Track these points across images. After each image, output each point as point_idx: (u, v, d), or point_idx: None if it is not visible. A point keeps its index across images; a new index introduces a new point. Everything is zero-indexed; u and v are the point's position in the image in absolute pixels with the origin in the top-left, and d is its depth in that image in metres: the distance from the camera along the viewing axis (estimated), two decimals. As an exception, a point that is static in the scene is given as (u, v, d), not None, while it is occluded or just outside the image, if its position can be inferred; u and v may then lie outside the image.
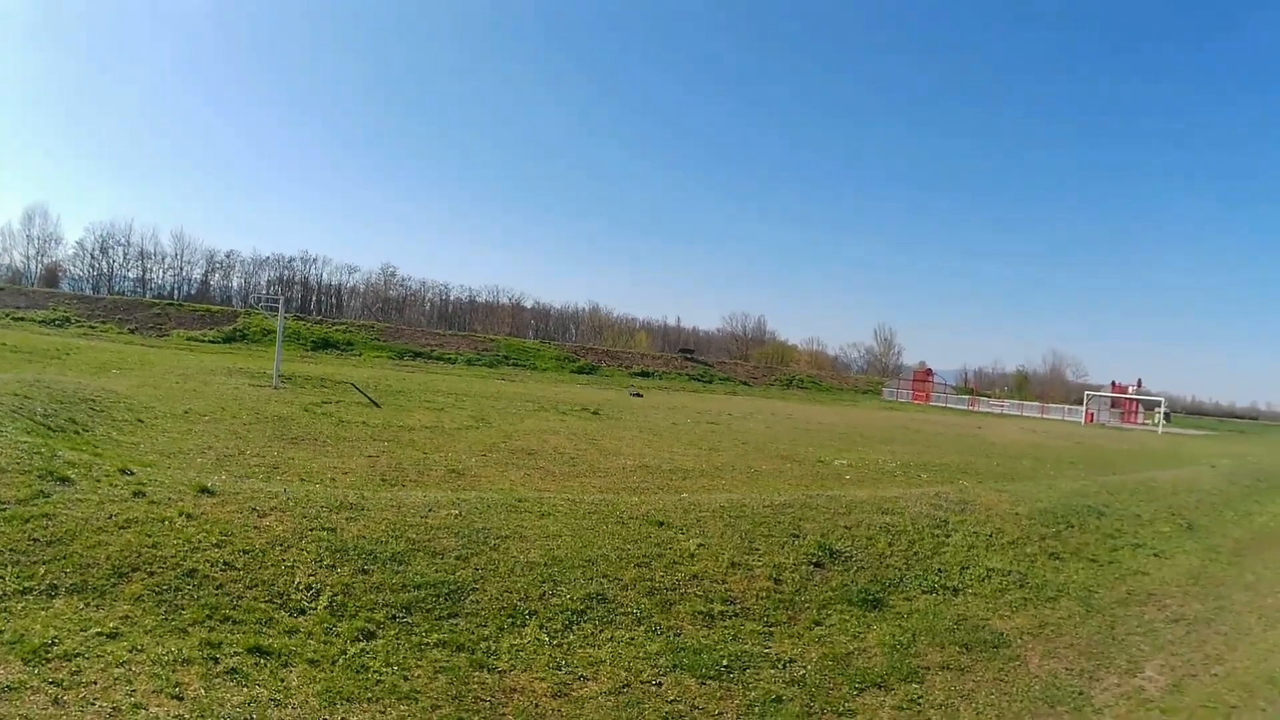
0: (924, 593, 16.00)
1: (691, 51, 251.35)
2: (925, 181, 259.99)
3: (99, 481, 13.54)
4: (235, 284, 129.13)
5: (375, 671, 9.89)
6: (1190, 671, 14.40)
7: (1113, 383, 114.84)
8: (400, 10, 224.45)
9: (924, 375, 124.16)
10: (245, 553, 11.92)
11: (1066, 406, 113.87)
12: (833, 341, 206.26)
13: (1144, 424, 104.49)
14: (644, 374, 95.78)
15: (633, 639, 12.03)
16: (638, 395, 46.98)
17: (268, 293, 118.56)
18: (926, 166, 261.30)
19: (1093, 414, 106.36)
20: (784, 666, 12.12)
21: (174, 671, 9.03)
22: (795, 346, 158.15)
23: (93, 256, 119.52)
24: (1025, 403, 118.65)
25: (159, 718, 8.14)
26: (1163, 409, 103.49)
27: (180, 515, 12.58)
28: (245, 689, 9.01)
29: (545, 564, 13.52)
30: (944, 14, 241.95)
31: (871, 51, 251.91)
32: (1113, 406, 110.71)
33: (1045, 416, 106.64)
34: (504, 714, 9.64)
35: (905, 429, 53.67)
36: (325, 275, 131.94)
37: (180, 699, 8.55)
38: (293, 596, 11.23)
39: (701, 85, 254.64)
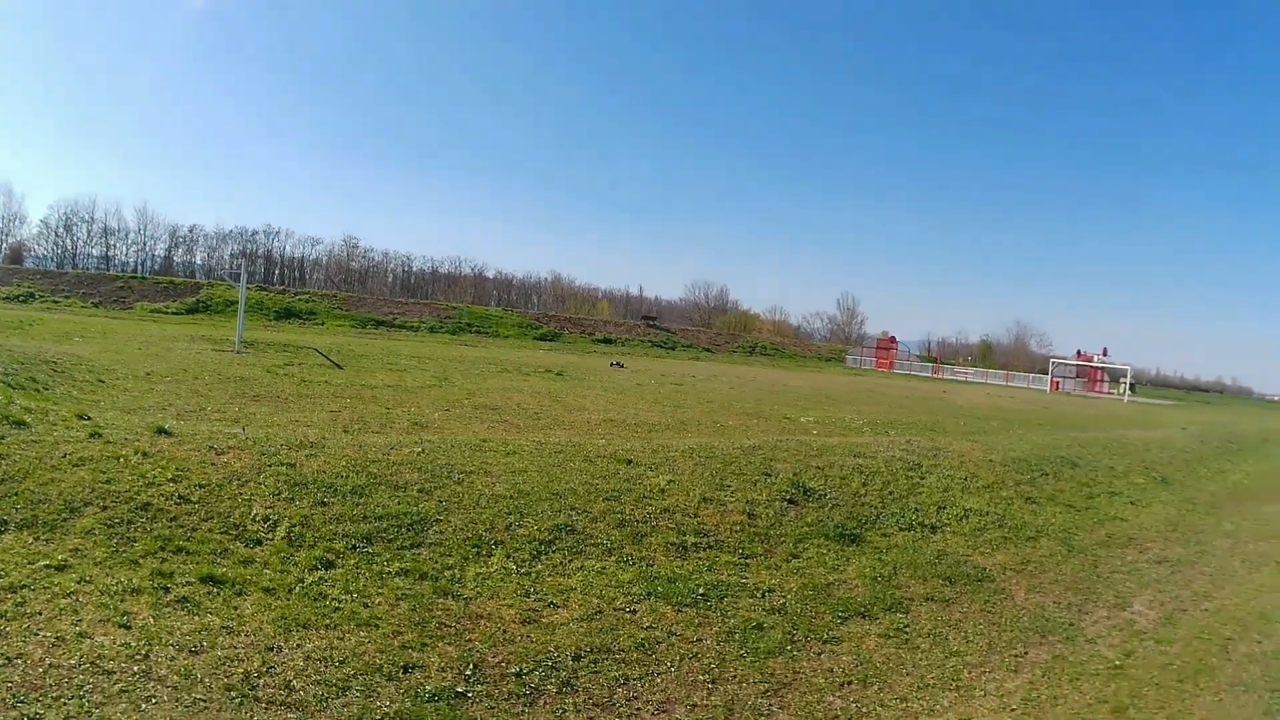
0: (901, 530, 15.86)
1: (657, 22, 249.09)
2: (887, 153, 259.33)
3: (55, 425, 13.12)
4: (199, 259, 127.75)
5: (334, 599, 9.57)
6: (1180, 607, 14.41)
7: (1078, 351, 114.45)
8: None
9: (888, 343, 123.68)
10: (201, 487, 11.54)
11: (1031, 375, 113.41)
12: (795, 311, 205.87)
13: (1109, 393, 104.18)
14: (607, 340, 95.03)
15: (604, 569, 11.79)
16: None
17: (231, 267, 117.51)
18: (888, 140, 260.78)
19: (1058, 382, 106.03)
20: (763, 595, 11.92)
21: (122, 601, 8.67)
22: (758, 315, 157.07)
23: (57, 234, 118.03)
24: (990, 371, 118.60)
25: (104, 646, 7.79)
26: (1128, 379, 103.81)
27: (136, 453, 12.17)
28: (196, 617, 8.66)
29: (511, 496, 13.24)
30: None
31: (832, 18, 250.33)
32: (1078, 375, 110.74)
33: (1010, 384, 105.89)
34: (471, 640, 9.33)
35: (870, 392, 53.51)
36: (288, 248, 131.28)
37: (128, 628, 8.20)
38: (249, 528, 10.87)
39: (667, 55, 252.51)
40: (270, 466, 12.58)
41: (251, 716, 7.24)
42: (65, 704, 6.87)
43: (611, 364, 43.28)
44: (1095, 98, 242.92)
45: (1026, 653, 11.60)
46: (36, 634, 7.77)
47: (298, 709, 7.50)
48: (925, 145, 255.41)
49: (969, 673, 10.69)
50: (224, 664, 7.93)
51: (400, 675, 8.37)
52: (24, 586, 8.57)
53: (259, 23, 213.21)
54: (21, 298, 70.28)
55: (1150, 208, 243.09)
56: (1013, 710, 9.82)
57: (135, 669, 7.56)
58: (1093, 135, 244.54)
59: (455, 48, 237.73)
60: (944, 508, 17.55)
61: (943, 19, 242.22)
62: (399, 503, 12.28)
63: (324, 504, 11.80)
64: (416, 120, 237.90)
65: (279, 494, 11.80)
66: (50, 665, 7.32)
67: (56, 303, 70.34)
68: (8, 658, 7.29)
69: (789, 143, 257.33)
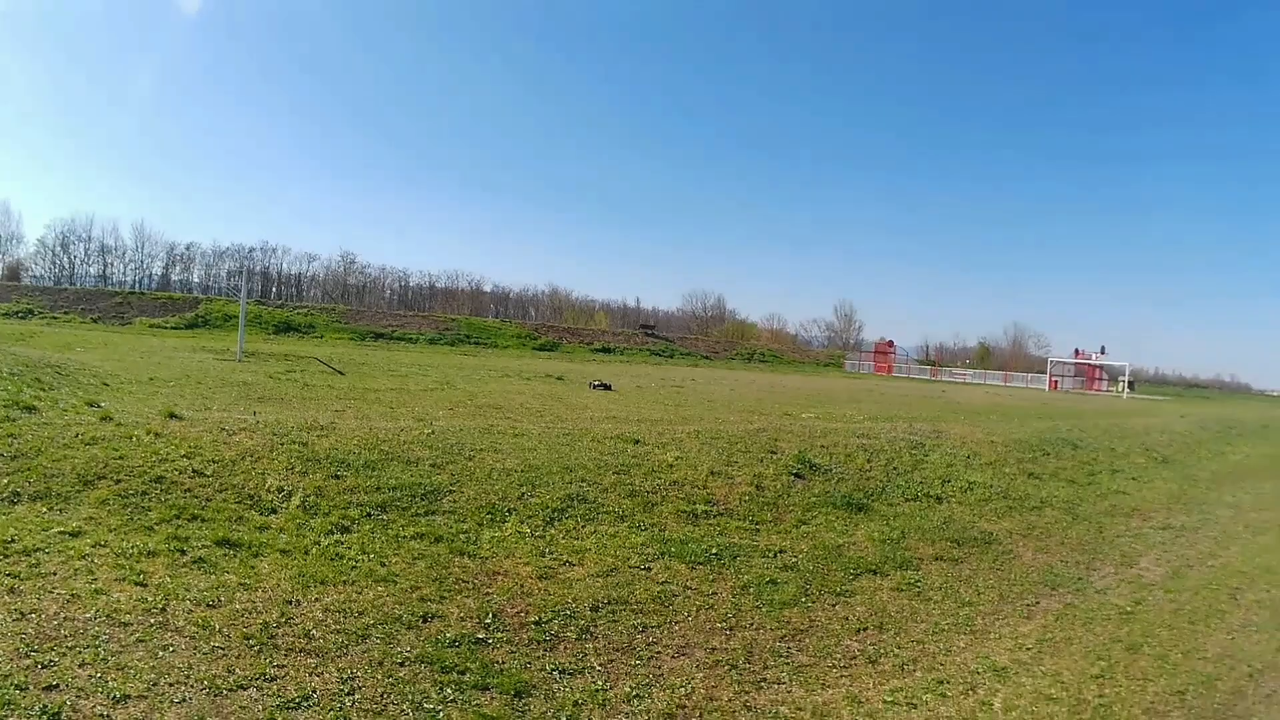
0: (907, 500, 16.21)
1: (653, 33, 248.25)
2: (881, 159, 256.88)
3: (65, 411, 13.37)
4: (196, 277, 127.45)
5: (350, 559, 9.73)
6: (1186, 564, 14.69)
7: (1076, 351, 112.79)
8: None
9: (885, 347, 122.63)
10: (214, 462, 11.74)
11: (1030, 375, 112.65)
12: (793, 319, 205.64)
13: (1108, 391, 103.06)
14: (605, 350, 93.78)
15: (616, 533, 12.03)
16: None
17: (228, 284, 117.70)
18: (882, 145, 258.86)
19: (1057, 381, 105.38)
20: (774, 556, 12.15)
21: (138, 563, 8.78)
22: (755, 324, 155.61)
23: (54, 253, 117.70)
24: (988, 372, 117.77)
25: (120, 601, 7.87)
26: (1127, 376, 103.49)
27: (148, 434, 12.37)
28: (213, 576, 8.79)
29: (522, 470, 13.54)
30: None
31: (825, 21, 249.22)
32: (1076, 374, 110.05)
33: (1009, 385, 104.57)
34: (489, 593, 9.49)
35: (870, 392, 52.86)
36: (285, 265, 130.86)
37: (144, 585, 8.30)
38: (264, 498, 11.05)
39: (661, 66, 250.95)
40: (283, 445, 12.81)
41: (271, 662, 7.32)
42: (80, 652, 6.94)
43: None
44: (1089, 95, 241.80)
45: (1038, 602, 11.85)
46: (51, 591, 7.86)
47: (317, 655, 7.59)
48: (919, 150, 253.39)
49: (982, 620, 10.92)
50: (242, 616, 8.03)
51: (420, 624, 8.50)
52: (38, 550, 8.66)
53: (255, 39, 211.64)
54: (20, 314, 69.91)
55: (1145, 206, 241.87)
56: (1028, 649, 10.02)
57: (152, 621, 7.65)
58: (1086, 134, 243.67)
59: (449, 60, 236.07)
60: (948, 481, 17.94)
61: (935, 18, 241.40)
62: (412, 476, 12.51)
63: (337, 477, 12.01)
64: (410, 134, 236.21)
65: (292, 468, 12.01)
66: (65, 619, 7.40)
67: (55, 318, 70.02)
68: (21, 613, 7.36)
69: (783, 151, 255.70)
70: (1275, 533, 17.95)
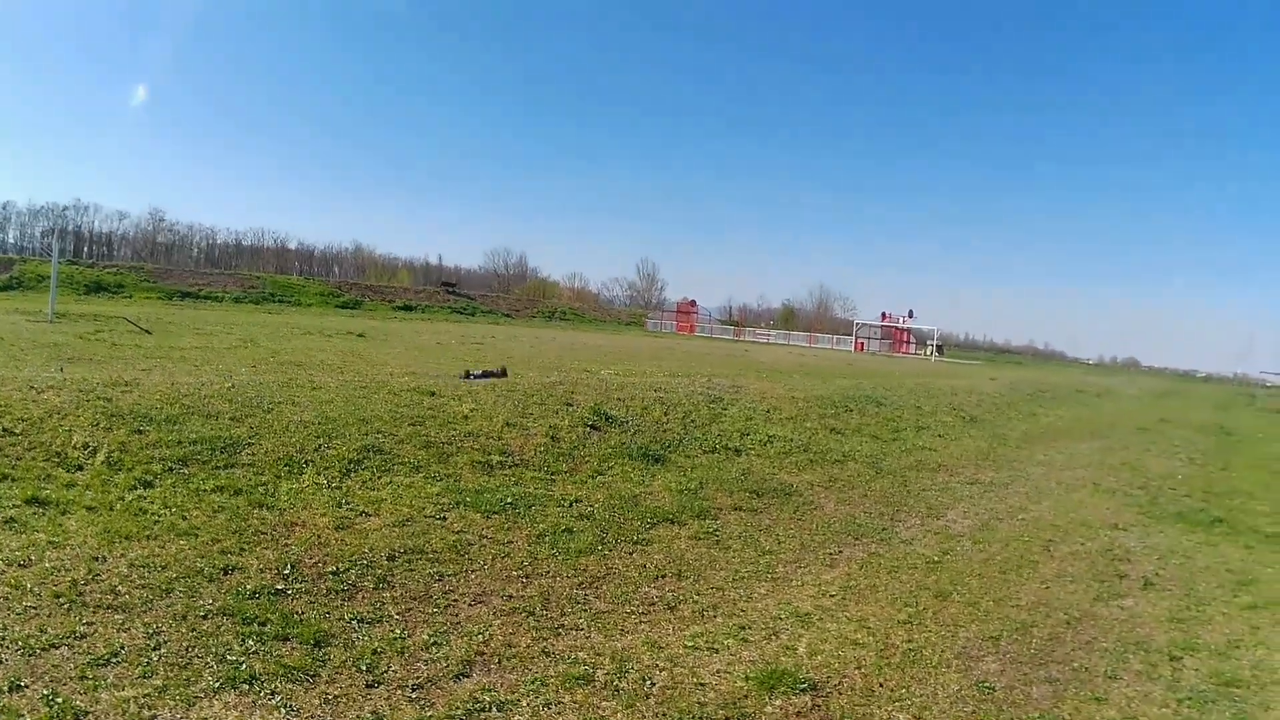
0: (705, 452, 16.83)
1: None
2: (684, 120, 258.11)
3: None
4: (11, 238, 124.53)
5: (153, 514, 9.89)
6: (996, 517, 15.46)
7: (883, 314, 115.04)
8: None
9: (688, 307, 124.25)
10: (23, 420, 11.81)
11: (836, 336, 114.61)
12: (595, 277, 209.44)
13: (916, 355, 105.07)
14: (407, 308, 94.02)
15: (412, 483, 12.40)
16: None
17: (42, 243, 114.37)
18: (684, 105, 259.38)
19: (863, 343, 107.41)
20: (570, 505, 12.64)
21: (-52, 530, 8.88)
22: (557, 282, 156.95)
23: None
24: (793, 333, 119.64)
25: (-72, 571, 7.98)
26: (935, 340, 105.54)
27: (-45, 400, 12.40)
28: (24, 535, 8.88)
29: (319, 422, 13.88)
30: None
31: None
32: (883, 337, 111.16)
33: (814, 346, 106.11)
34: (287, 544, 9.74)
35: (671, 350, 52.83)
36: (96, 223, 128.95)
37: (-44, 552, 8.40)
38: (70, 455, 11.15)
39: (466, 22, 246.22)
40: (89, 401, 12.91)
41: (80, 620, 7.45)
42: (-106, 625, 7.02)
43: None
44: (890, 59, 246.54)
45: (841, 551, 12.40)
46: None
47: (124, 610, 7.76)
48: (722, 112, 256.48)
49: (784, 567, 11.40)
50: (52, 574, 8.15)
51: (221, 577, 8.71)
52: None
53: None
54: None
55: (955, 173, 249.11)
56: (832, 596, 10.49)
57: (-34, 586, 7.76)
58: (887, 97, 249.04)
59: (254, 8, 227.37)
60: (747, 434, 18.60)
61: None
62: (212, 429, 12.74)
63: (140, 432, 12.18)
64: (213, 86, 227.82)
65: (97, 424, 12.13)
66: (-122, 594, 7.48)
67: None
68: None
69: (585, 111, 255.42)
70: (1089, 489, 18.81)
